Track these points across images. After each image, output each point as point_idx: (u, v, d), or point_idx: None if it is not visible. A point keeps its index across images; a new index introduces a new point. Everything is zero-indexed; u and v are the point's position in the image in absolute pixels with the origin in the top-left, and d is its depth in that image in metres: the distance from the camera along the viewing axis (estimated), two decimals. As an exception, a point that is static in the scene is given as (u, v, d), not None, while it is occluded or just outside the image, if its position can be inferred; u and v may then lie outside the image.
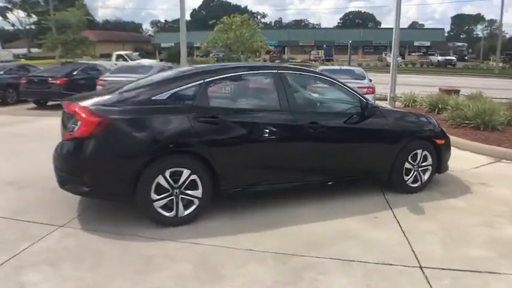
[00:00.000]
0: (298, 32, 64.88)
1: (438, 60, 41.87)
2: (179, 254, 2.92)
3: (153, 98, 3.35)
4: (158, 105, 3.33)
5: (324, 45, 56.71)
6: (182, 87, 3.44)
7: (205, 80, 3.50)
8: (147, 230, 3.27)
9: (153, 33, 79.20)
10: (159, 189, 3.23)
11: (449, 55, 44.07)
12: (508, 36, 63.96)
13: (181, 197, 3.31)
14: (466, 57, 52.14)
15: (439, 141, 4.46)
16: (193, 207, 3.38)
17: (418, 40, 56.54)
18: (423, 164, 4.38)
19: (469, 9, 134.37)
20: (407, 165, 4.28)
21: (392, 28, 12.85)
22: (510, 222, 3.70)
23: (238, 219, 3.55)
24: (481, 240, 3.31)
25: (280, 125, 3.65)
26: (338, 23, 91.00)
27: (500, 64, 36.70)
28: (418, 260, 2.94)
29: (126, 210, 3.58)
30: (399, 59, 46.87)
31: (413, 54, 56.69)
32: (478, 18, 79.39)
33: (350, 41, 42.11)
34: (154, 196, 3.22)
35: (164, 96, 3.37)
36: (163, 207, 3.28)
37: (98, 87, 10.31)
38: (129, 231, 3.26)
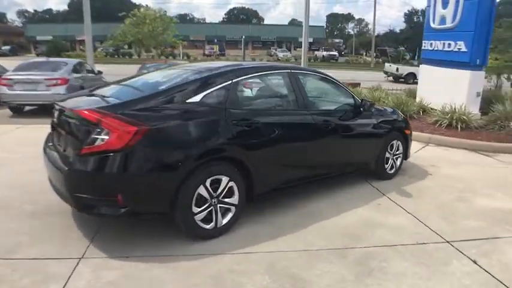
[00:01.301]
0: (188, 27, 63.92)
1: (323, 55, 46.21)
2: (243, 267, 2.79)
3: (187, 101, 3.07)
4: (194, 109, 3.06)
5: (215, 40, 57.21)
6: (213, 89, 3.21)
7: (233, 81, 3.34)
8: (187, 248, 3.02)
9: (22, 24, 68.93)
10: (200, 201, 3.01)
11: (332, 50, 48.93)
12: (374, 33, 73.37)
13: (220, 206, 3.15)
14: (343, 53, 58.46)
15: (407, 132, 5.10)
16: (230, 215, 3.24)
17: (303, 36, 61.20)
18: (397, 152, 4.97)
19: (338, 9, 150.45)
20: (387, 154, 4.81)
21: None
22: (475, 195, 4.49)
23: (268, 223, 3.52)
24: (469, 213, 3.96)
25: (301, 123, 3.75)
26: (223, 18, 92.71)
27: (374, 59, 42.25)
28: (441, 236, 3.39)
29: (140, 229, 3.25)
30: (288, 54, 50.28)
31: (298, 49, 61.23)
32: (348, 18, 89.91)
33: (243, 36, 43.23)
34: (195, 209, 2.98)
35: (197, 98, 3.10)
36: (203, 219, 3.07)
37: (2, 87, 8.77)
38: (166, 251, 2.95)
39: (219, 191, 3.12)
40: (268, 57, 47.52)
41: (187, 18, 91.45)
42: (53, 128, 3.49)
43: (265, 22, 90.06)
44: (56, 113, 3.25)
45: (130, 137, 2.67)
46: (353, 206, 4.02)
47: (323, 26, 73.00)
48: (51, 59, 10.65)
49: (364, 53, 58.07)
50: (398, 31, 76.28)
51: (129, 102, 2.94)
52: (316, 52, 50.88)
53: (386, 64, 26.67)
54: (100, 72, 11.60)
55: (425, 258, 3.01)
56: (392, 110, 5.28)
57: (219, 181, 3.10)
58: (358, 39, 71.24)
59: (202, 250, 3.00)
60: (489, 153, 6.54)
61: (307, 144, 3.78)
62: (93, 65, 12.28)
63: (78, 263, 2.77)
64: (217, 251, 2.98)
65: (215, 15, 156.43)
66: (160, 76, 3.64)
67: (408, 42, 68.64)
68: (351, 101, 4.38)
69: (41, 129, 4.36)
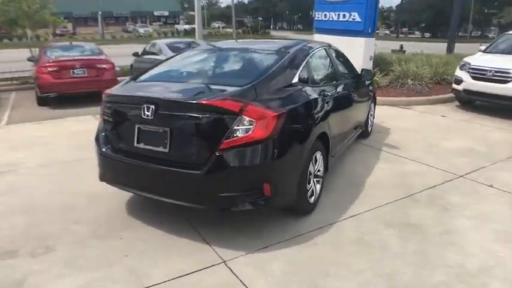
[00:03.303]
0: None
1: (185, 29, 45.36)
2: (368, 228, 3.12)
3: (292, 82, 3.13)
4: (300, 89, 3.17)
5: (62, 17, 49.83)
6: (300, 68, 3.33)
7: (306, 59, 3.51)
8: (302, 225, 3.14)
9: None
10: (308, 178, 3.17)
11: (194, 24, 48.48)
12: (223, 5, 75.38)
13: (315, 180, 3.36)
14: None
15: (375, 95, 6.01)
16: (319, 186, 3.47)
17: (157, 10, 58.65)
18: (372, 113, 5.85)
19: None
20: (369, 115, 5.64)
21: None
22: (436, 140, 5.69)
23: (328, 188, 3.78)
24: (448, 154, 5.06)
25: (345, 93, 4.21)
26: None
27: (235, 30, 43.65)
28: (453, 173, 4.35)
29: (234, 221, 3.20)
30: (149, 29, 47.70)
31: (154, 23, 58.54)
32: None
33: (100, 12, 38.91)
34: (307, 186, 3.14)
35: (296, 79, 3.20)
36: (309, 195, 3.25)
37: None
38: (290, 233, 3.02)
39: (316, 165, 3.31)
40: (129, 34, 44.08)
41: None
42: (119, 124, 3.10)
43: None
44: (146, 107, 2.75)
45: (275, 124, 2.63)
46: (371, 162, 4.69)
47: (176, -1, 71.15)
48: None
49: (219, 25, 59.21)
50: (246, 2, 79.99)
51: (253, 87, 2.82)
52: (176, 26, 49.64)
53: None
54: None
55: (462, 190, 3.90)
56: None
57: (315, 156, 3.28)
58: (209, 11, 72.06)
59: (318, 223, 3.17)
60: (406, 106, 8.11)
61: (348, 110, 4.26)
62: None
63: (230, 267, 2.63)
64: (331, 221, 3.21)
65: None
66: (234, 58, 3.64)
67: (258, 12, 72.98)
68: (355, 70, 4.97)
69: None
